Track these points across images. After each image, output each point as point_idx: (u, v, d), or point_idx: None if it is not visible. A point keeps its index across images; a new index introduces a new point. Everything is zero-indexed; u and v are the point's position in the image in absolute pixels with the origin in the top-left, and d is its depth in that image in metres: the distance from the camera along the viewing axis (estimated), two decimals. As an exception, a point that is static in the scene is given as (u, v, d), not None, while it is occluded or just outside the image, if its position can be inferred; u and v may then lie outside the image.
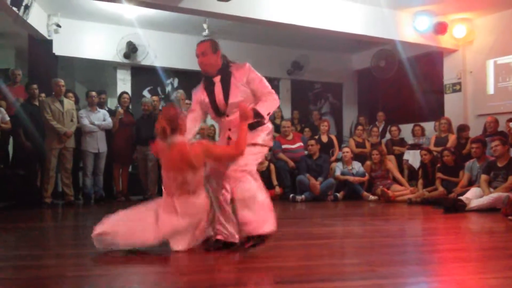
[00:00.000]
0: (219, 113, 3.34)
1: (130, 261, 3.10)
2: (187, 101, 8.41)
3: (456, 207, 5.81)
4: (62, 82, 7.02)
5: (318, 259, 3.13)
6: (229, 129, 3.32)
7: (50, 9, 8.08)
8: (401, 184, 7.75)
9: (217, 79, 3.35)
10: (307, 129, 9.41)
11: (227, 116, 3.31)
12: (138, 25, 8.61)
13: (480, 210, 5.76)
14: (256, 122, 3.23)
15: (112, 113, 7.83)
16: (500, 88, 8.28)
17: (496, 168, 6.19)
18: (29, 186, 6.92)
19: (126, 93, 8.24)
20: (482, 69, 8.56)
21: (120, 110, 7.85)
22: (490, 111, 8.19)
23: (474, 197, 5.98)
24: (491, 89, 8.40)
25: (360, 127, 8.99)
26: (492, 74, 8.36)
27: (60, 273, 2.75)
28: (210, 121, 9.68)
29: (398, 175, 7.93)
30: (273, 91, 3.33)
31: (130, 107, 8.37)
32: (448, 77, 9.09)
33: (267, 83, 3.33)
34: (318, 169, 7.80)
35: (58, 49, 8.39)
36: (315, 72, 10.62)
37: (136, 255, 3.30)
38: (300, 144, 8.37)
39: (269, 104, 3.28)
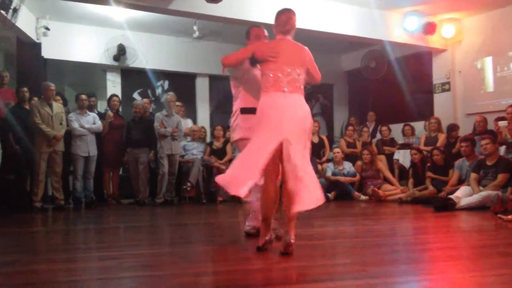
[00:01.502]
0: None
1: (123, 265, 3.08)
2: (177, 103, 8.41)
3: (446, 206, 5.86)
4: (53, 86, 6.96)
5: (310, 260, 3.14)
6: None
7: (39, 12, 8.02)
8: (391, 184, 7.79)
9: None
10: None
11: None
12: (127, 27, 8.59)
13: (470, 208, 5.80)
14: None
15: (101, 116, 7.79)
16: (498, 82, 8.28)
17: (486, 166, 6.24)
18: (19, 190, 6.85)
19: (116, 95, 8.21)
20: (471, 69, 8.63)
21: (110, 113, 7.82)
22: (479, 110, 8.26)
23: (464, 195, 6.03)
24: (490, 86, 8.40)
25: (350, 128, 9.02)
26: (491, 70, 8.35)
27: (51, 278, 2.73)
28: (201, 122, 9.71)
29: (388, 174, 7.97)
30: None
31: (120, 109, 8.34)
32: (437, 77, 9.15)
33: None
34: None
35: (47, 52, 8.33)
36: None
37: (129, 258, 3.30)
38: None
39: None
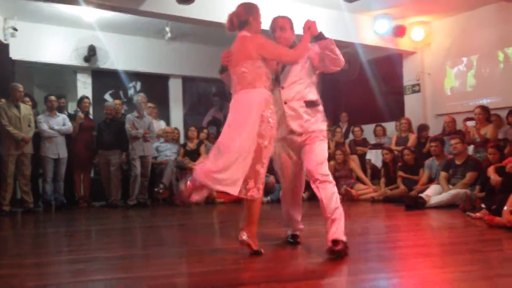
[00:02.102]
0: (277, 83, 3.43)
1: (94, 268, 3.04)
2: (149, 105, 8.34)
3: (416, 204, 5.97)
4: (21, 87, 6.83)
5: (283, 259, 3.16)
6: (285, 103, 3.36)
7: (6, 12, 7.83)
8: (364, 183, 7.87)
9: None
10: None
11: (282, 88, 3.39)
12: (98, 28, 8.45)
13: (440, 206, 5.93)
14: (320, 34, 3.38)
15: (72, 117, 7.66)
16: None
17: (454, 165, 6.39)
18: (-14, 194, 6.68)
19: (87, 97, 8.09)
20: (440, 71, 8.81)
21: (80, 114, 7.69)
22: (448, 110, 8.43)
23: (433, 194, 6.15)
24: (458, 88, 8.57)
25: (324, 128, 9.07)
26: (459, 71, 8.51)
27: (20, 283, 2.68)
28: (174, 123, 9.65)
29: (361, 174, 8.06)
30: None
31: (91, 111, 8.22)
32: (408, 79, 9.31)
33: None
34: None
35: (15, 53, 8.13)
36: (279, 74, 10.65)
37: (101, 261, 3.25)
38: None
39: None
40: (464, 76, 8.44)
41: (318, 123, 3.40)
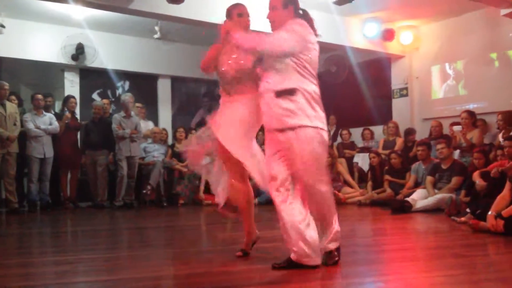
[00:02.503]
0: None
1: (79, 269, 3.02)
2: (137, 105, 8.30)
3: (403, 208, 6.01)
4: (6, 85, 6.76)
5: (270, 262, 3.15)
6: (262, 96, 3.00)
7: (-7, 8, 7.75)
8: (351, 187, 7.91)
9: None
10: (260, 133, 9.42)
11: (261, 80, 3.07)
12: (87, 26, 8.38)
13: (426, 210, 5.97)
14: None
15: (59, 116, 7.60)
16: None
17: (441, 170, 6.44)
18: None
19: (73, 97, 8.02)
20: (427, 75, 8.89)
21: (68, 114, 7.63)
22: (435, 115, 8.50)
23: (419, 198, 6.20)
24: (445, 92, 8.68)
25: (312, 131, 9.09)
26: (446, 76, 8.64)
27: (5, 284, 2.64)
28: (162, 124, 9.60)
29: (348, 177, 8.08)
30: (286, 33, 2.92)
31: (78, 110, 8.15)
32: (396, 83, 9.37)
33: (289, 33, 2.94)
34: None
35: (2, 51, 8.03)
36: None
37: (86, 263, 3.23)
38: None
39: (259, 37, 2.91)
40: (451, 81, 8.52)
41: (294, 117, 2.86)
